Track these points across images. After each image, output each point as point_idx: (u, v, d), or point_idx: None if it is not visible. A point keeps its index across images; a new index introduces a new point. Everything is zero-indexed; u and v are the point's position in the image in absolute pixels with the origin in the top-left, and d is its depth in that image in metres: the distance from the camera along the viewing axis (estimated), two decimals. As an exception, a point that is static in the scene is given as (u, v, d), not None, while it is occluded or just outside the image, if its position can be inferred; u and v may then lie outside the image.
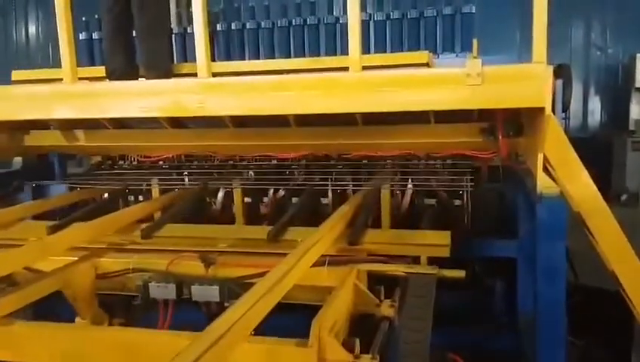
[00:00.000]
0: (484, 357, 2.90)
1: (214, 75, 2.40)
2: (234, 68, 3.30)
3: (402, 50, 4.05)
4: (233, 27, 4.34)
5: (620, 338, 3.57)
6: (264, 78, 2.24)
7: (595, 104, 8.40)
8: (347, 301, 2.12)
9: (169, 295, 2.24)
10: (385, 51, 4.09)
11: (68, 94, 2.36)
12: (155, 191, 3.51)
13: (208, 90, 2.26)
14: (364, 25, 3.98)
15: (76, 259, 2.43)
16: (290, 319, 2.05)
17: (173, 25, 4.54)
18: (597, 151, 6.49)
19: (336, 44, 4.22)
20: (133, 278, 2.38)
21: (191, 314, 2.31)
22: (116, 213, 2.98)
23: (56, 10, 2.42)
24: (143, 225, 2.89)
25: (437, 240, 2.61)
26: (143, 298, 2.28)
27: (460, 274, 2.32)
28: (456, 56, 3.93)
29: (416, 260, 2.52)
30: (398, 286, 2.31)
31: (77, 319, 2.34)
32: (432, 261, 2.50)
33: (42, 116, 2.44)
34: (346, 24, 2.37)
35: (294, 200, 3.35)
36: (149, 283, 2.25)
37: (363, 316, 2.16)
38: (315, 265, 2.20)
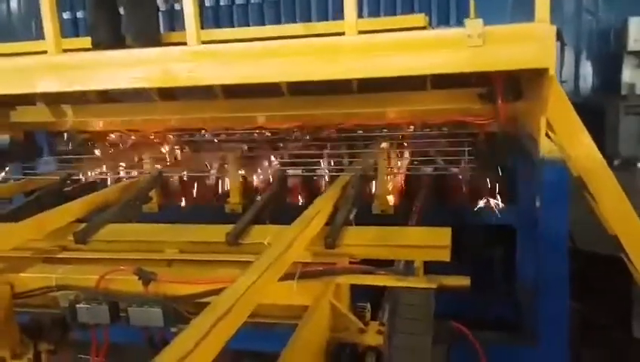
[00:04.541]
0: (482, 325, 2.89)
1: (204, 43, 2.31)
2: (224, 35, 3.21)
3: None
4: (222, 3, 4.23)
5: (619, 302, 3.58)
6: (256, 45, 2.14)
7: (586, 69, 8.34)
8: (322, 327, 1.79)
9: (101, 319, 1.84)
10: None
11: (52, 66, 2.25)
12: (147, 167, 3.43)
13: (198, 58, 2.16)
14: (359, -1, 3.88)
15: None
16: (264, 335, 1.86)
17: (160, 2, 4.44)
18: (589, 116, 6.46)
19: (327, 16, 4.12)
20: (59, 296, 1.97)
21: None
22: (51, 210, 2.44)
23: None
24: (83, 225, 2.39)
25: (434, 240, 2.14)
26: (70, 321, 1.89)
27: (464, 281, 1.95)
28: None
29: (409, 263, 2.13)
30: (387, 298, 1.97)
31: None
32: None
33: (26, 90, 2.34)
34: (338, -5, 2.28)
35: (290, 171, 3.29)
36: (77, 305, 1.85)
37: (344, 345, 1.81)
38: (284, 277, 1.79)
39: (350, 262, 2.10)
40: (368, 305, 1.92)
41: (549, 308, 2.46)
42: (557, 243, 2.29)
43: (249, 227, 2.32)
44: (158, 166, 3.34)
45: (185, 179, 3.49)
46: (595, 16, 8.19)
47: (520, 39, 1.99)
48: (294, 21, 4.21)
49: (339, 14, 2.20)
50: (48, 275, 2.04)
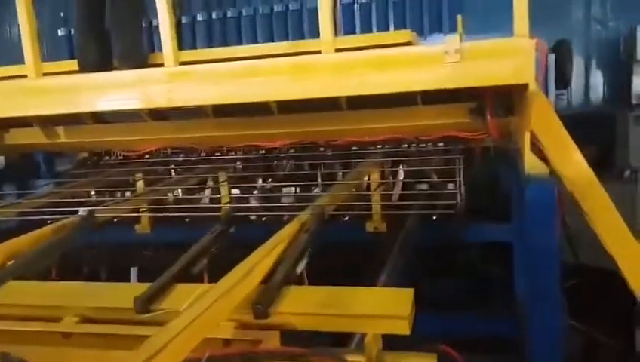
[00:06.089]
0: (480, 343, 2.82)
1: (184, 64, 2.30)
2: (203, 56, 3.18)
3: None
4: (214, 16, 4.25)
5: (624, 318, 3.47)
6: (233, 65, 2.13)
7: (596, 79, 8.22)
8: None
9: None
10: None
11: (31, 89, 2.27)
12: (140, 186, 3.42)
13: (176, 79, 2.15)
14: (349, 8, 3.87)
15: None
16: None
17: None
18: (600, 126, 6.37)
19: (303, 29, 4.12)
20: None
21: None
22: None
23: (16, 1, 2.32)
24: None
25: (391, 308, 1.67)
26: None
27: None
28: (444, 36, 3.80)
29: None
30: None
31: None
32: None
33: (6, 114, 2.35)
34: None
35: (284, 191, 3.25)
36: None
37: None
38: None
39: (282, 334, 1.64)
40: None
41: (541, 328, 2.38)
42: (546, 262, 2.21)
43: (171, 286, 1.86)
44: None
45: (179, 197, 3.46)
46: (603, 25, 8.10)
47: (498, 55, 1.96)
48: (286, 31, 4.20)
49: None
50: None
